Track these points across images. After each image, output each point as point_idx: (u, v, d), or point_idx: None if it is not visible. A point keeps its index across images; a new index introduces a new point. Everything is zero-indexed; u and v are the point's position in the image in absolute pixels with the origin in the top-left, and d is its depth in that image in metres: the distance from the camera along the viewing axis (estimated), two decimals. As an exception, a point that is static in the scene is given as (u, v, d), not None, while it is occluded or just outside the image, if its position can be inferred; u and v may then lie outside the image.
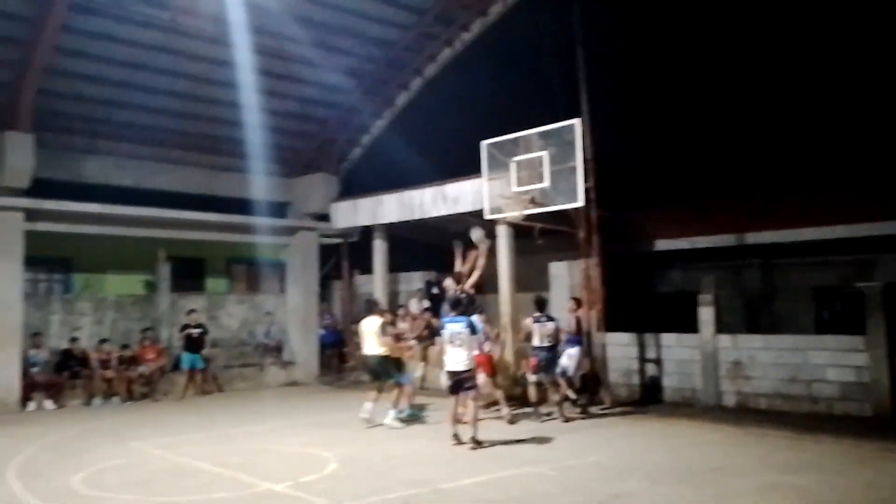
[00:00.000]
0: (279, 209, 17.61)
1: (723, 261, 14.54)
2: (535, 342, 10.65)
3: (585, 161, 10.94)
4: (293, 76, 15.25)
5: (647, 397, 12.21)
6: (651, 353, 12.33)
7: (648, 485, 6.96)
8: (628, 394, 12.40)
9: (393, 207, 15.77)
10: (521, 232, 13.09)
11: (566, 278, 13.45)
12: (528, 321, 10.78)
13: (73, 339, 13.90)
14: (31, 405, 12.85)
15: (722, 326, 11.87)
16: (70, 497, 6.88)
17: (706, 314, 11.69)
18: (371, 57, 15.48)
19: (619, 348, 12.55)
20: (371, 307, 11.08)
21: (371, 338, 10.44)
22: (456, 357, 8.89)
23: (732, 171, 14.60)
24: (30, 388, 12.93)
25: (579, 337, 11.29)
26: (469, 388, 8.90)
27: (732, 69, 14.71)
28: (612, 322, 12.14)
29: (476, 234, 11.29)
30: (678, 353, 12.05)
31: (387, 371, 10.43)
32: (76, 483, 7.38)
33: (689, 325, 11.86)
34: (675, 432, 9.70)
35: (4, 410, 12.41)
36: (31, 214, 13.26)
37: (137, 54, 13.45)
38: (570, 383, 10.91)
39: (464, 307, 9.37)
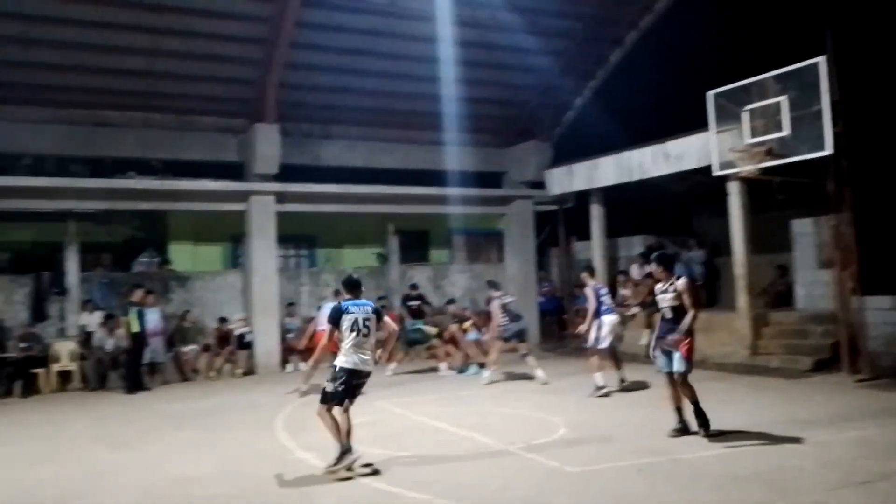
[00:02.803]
0: (495, 179, 17.93)
1: None
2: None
3: (833, 104, 9.76)
4: (503, 45, 15.28)
5: (916, 368, 10.72)
6: (920, 319, 10.76)
7: (926, 466, 6.10)
8: (892, 363, 10.94)
9: (610, 170, 15.31)
10: (756, 187, 12.04)
11: (812, 237, 12.16)
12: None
13: (319, 308, 15.32)
14: (289, 367, 14.45)
15: None
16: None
17: None
18: (582, 15, 15.05)
19: (881, 313, 11.07)
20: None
21: None
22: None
23: None
24: (287, 352, 14.56)
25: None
26: None
27: None
28: (871, 284, 10.75)
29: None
30: (956, 319, 10.39)
31: None
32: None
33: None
34: (954, 408, 8.41)
35: (267, 372, 14.14)
36: (280, 197, 14.82)
37: (360, 41, 14.32)
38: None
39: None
